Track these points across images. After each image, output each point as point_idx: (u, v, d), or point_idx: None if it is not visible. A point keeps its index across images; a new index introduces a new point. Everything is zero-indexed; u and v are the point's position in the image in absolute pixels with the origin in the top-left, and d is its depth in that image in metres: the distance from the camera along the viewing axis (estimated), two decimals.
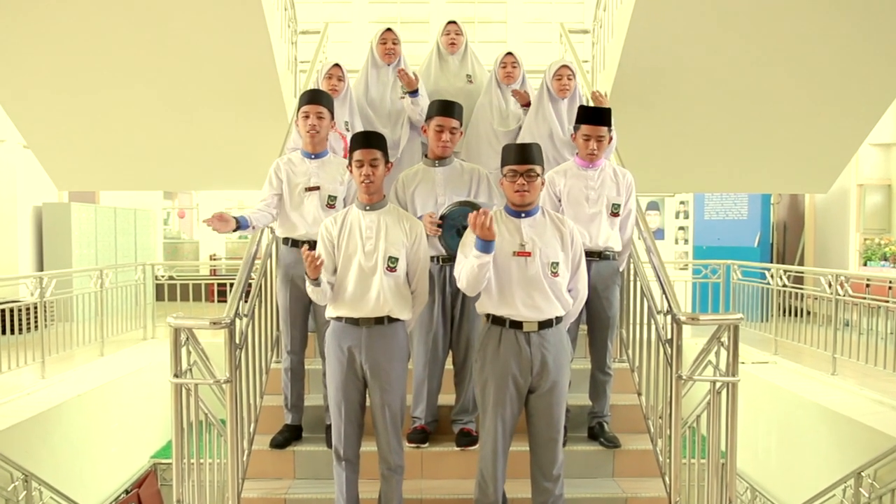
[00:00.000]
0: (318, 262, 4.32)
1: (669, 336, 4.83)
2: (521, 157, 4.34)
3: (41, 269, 14.33)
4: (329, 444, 5.28)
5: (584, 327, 5.75)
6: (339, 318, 4.61)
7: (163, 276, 12.29)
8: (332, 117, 5.49)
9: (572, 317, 4.72)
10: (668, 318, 4.89)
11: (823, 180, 10.18)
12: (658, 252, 5.51)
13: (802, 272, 11.41)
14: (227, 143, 9.45)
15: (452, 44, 7.20)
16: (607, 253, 5.43)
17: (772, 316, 10.79)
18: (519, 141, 6.26)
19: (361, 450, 4.73)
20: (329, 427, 5.24)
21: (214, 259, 19.66)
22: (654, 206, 16.38)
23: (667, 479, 4.91)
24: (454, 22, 7.28)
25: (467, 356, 5.46)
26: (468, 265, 4.27)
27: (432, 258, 5.21)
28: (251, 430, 5.28)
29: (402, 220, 4.68)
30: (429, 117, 5.40)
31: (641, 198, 6.35)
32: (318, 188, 5.34)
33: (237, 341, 4.78)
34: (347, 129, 6.24)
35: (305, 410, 5.76)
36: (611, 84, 8.28)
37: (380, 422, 4.63)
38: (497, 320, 4.42)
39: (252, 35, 7.74)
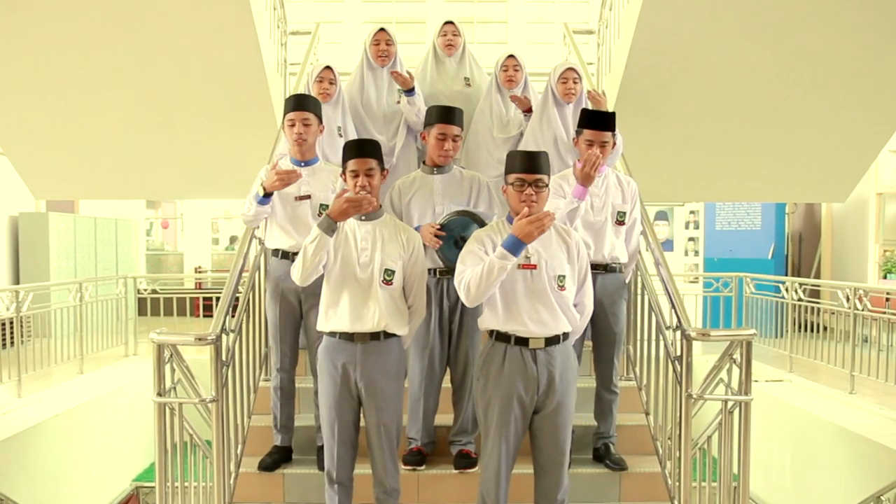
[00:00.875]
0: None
1: (679, 353, 4.84)
2: (530, 165, 4.31)
3: (17, 282, 14.28)
4: (321, 467, 5.22)
5: (588, 344, 5.77)
6: (332, 334, 4.60)
7: (145, 290, 12.29)
8: (321, 122, 5.47)
9: (578, 333, 4.71)
10: (678, 333, 4.89)
11: (841, 189, 10.18)
12: (667, 264, 5.51)
13: (819, 285, 11.43)
14: (213, 149, 9.45)
15: (449, 45, 7.20)
16: (613, 265, 5.43)
17: (786, 331, 10.79)
18: (522, 148, 6.25)
19: (355, 472, 4.74)
20: (321, 448, 5.17)
21: (200, 271, 19.63)
22: (662, 216, 16.40)
23: (676, 503, 4.91)
24: (451, 22, 7.28)
25: (466, 373, 5.45)
26: (480, 269, 4.20)
27: (429, 271, 5.20)
28: (238, 451, 5.28)
29: (399, 232, 4.69)
30: (428, 124, 5.40)
31: (649, 207, 6.34)
32: (309, 197, 5.34)
33: (224, 358, 4.78)
34: (340, 135, 6.24)
35: (296, 431, 5.75)
36: (617, 87, 8.27)
37: (375, 443, 4.63)
38: (501, 336, 4.40)
39: (239, 36, 7.73)
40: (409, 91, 6.46)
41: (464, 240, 4.69)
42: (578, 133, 5.36)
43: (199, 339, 4.56)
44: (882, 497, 6.43)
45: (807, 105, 8.59)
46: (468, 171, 5.69)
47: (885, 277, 14.21)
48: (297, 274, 4.54)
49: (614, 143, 5.44)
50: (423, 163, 5.56)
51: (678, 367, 4.85)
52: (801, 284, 10.67)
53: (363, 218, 4.64)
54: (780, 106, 8.55)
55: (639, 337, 5.98)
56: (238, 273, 5.35)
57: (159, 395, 4.48)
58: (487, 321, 4.46)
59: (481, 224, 5.09)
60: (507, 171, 4.39)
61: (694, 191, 11.15)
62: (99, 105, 8.77)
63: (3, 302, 9.31)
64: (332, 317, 4.59)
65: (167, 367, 4.51)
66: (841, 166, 9.65)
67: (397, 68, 6.70)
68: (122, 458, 9.58)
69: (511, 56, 6.79)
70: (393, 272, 4.56)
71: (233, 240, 22.00)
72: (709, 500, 4.92)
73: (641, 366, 5.91)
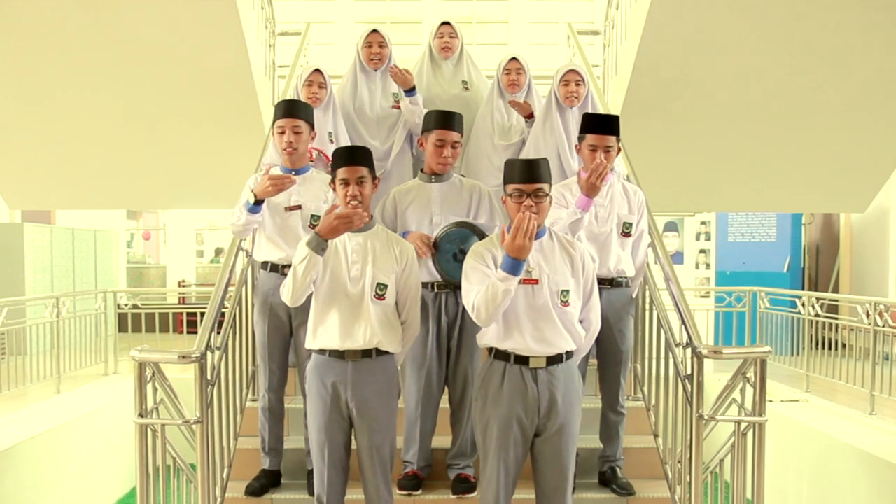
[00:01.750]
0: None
1: (689, 371, 4.84)
2: (529, 174, 4.27)
3: None
4: (311, 492, 5.24)
5: (593, 362, 5.74)
6: (321, 351, 4.58)
7: (126, 305, 12.27)
8: (313, 129, 5.46)
9: (583, 351, 4.69)
10: (688, 351, 4.89)
11: (861, 198, 10.20)
12: (676, 278, 5.49)
13: (837, 300, 11.41)
14: (198, 156, 9.46)
15: (446, 48, 7.19)
16: (619, 279, 5.40)
17: (803, 349, 10.79)
18: (524, 156, 6.24)
19: (347, 497, 4.72)
20: (311, 472, 5.16)
21: (183, 285, 19.61)
22: (672, 226, 16.38)
23: None
24: (448, 23, 7.25)
25: (465, 393, 5.42)
26: (488, 291, 4.17)
27: (426, 284, 5.19)
28: (224, 475, 5.27)
29: (392, 244, 4.67)
30: (426, 130, 5.36)
31: (658, 218, 6.31)
32: (299, 207, 5.33)
33: (209, 377, 4.77)
34: (331, 141, 6.23)
35: (285, 454, 5.72)
36: (624, 91, 8.28)
37: (367, 466, 4.61)
38: (500, 355, 4.37)
39: (225, 36, 7.74)
40: (410, 91, 6.46)
41: (463, 253, 4.71)
42: (581, 139, 5.31)
43: (183, 357, 4.56)
44: None
45: (825, 109, 8.59)
46: (468, 179, 5.67)
47: None
48: (288, 295, 4.50)
49: (619, 150, 5.42)
50: (421, 171, 5.52)
51: (688, 387, 4.84)
52: (818, 299, 10.67)
53: (354, 230, 4.60)
54: (797, 110, 8.55)
55: (647, 355, 5.97)
56: (224, 287, 5.34)
57: (141, 416, 4.48)
58: (486, 337, 4.43)
59: (482, 236, 5.04)
60: (506, 181, 4.36)
61: (705, 200, 11.16)
62: (77, 109, 8.78)
63: None
64: (322, 334, 4.57)
65: (149, 387, 4.51)
66: (860, 174, 9.66)
67: (393, 65, 6.70)
68: (102, 483, 9.57)
69: (514, 59, 6.79)
70: (385, 286, 4.54)
71: (218, 252, 22.01)
72: None
73: (650, 385, 5.91)
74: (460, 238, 5.10)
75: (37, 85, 8.39)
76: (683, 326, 5.04)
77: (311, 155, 5.75)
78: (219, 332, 5.16)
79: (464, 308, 4.70)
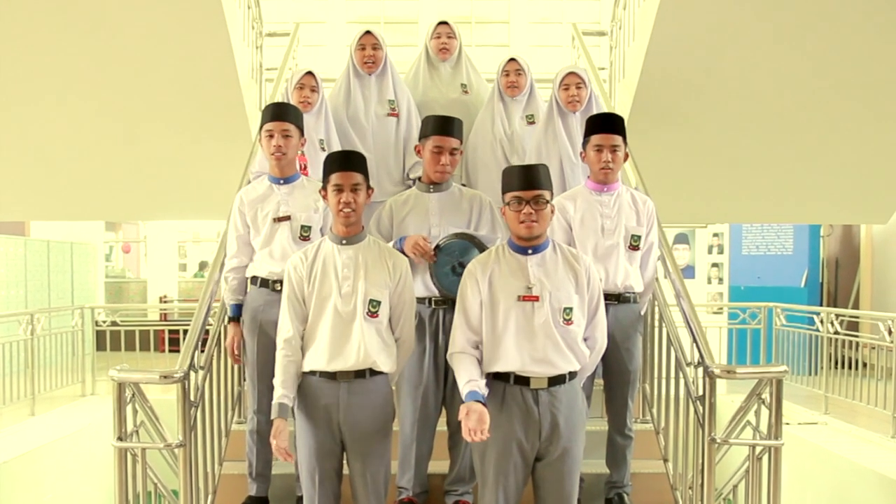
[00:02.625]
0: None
1: (701, 392, 4.84)
2: (527, 180, 4.26)
3: None
4: None
5: (599, 382, 5.71)
6: (312, 372, 4.55)
7: (104, 322, 12.27)
8: (303, 134, 5.44)
9: (588, 371, 4.67)
10: (700, 370, 4.89)
11: (882, 209, 10.20)
12: (688, 294, 5.49)
13: (858, 317, 11.44)
14: (181, 164, 9.45)
15: (444, 49, 7.15)
16: (627, 295, 5.36)
17: (821, 368, 10.80)
18: (527, 162, 6.23)
19: None
20: (300, 499, 5.17)
21: (165, 301, 19.60)
22: (682, 238, 16.40)
23: None
24: (446, 23, 7.21)
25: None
26: (457, 366, 4.35)
27: (422, 300, 5.17)
28: (209, 502, 5.27)
29: (385, 257, 4.63)
30: (423, 136, 5.34)
31: (668, 229, 6.30)
32: (288, 218, 5.30)
33: (192, 398, 4.78)
34: (323, 148, 6.20)
35: (273, 480, 5.69)
36: (632, 95, 8.27)
37: (360, 493, 4.59)
38: (499, 375, 4.34)
39: (209, 37, 7.73)
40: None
41: (462, 266, 4.69)
42: (585, 142, 5.31)
43: (165, 377, 4.57)
44: None
45: (845, 114, 8.56)
46: (469, 189, 5.67)
47: None
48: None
49: (627, 155, 5.43)
50: (419, 180, 5.51)
51: (700, 409, 4.85)
52: (837, 316, 10.68)
53: (344, 241, 4.58)
54: (816, 115, 8.53)
55: (656, 375, 5.97)
56: (208, 303, 5.34)
57: (120, 439, 4.48)
58: (484, 359, 4.42)
59: (482, 249, 5.00)
60: (504, 190, 4.34)
61: (718, 211, 11.17)
62: (52, 115, 8.76)
63: None
64: (311, 354, 4.53)
65: (129, 409, 4.51)
66: (882, 183, 9.65)
67: (388, 73, 6.69)
68: None
69: (512, 59, 6.76)
70: (378, 303, 4.51)
71: (202, 266, 22.05)
72: None
73: (659, 407, 5.90)
74: (460, 250, 5.07)
75: (8, 89, 8.37)
76: (695, 344, 5.04)
77: (301, 165, 5.74)
78: (203, 351, 5.16)
79: None
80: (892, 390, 9.08)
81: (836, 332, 10.57)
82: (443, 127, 5.28)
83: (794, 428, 9.49)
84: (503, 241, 4.62)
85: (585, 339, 4.46)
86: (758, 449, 4.68)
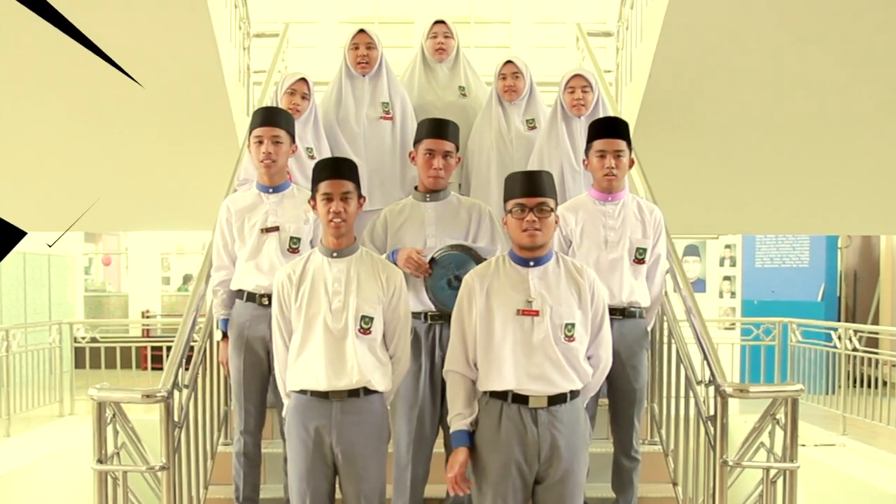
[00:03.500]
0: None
1: (712, 412, 4.84)
2: (530, 187, 4.24)
3: None
4: None
5: (604, 401, 5.69)
6: (303, 392, 4.52)
7: (84, 338, 12.28)
8: (294, 140, 5.43)
9: (592, 390, 4.65)
10: (711, 389, 4.89)
11: None
12: (698, 309, 5.48)
13: (877, 333, 11.44)
14: (164, 172, 9.44)
15: (440, 49, 7.12)
16: (632, 309, 5.35)
17: (839, 387, 10.80)
18: (528, 169, 6.20)
19: None
20: None
21: (148, 316, 19.62)
22: (693, 250, 16.42)
23: None
24: (442, 22, 7.18)
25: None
26: (450, 395, 4.43)
27: (418, 315, 5.14)
28: None
29: (378, 270, 4.61)
30: (417, 140, 5.30)
31: (677, 241, 6.29)
32: (276, 229, 5.29)
33: (176, 418, 4.77)
34: (311, 157, 6.16)
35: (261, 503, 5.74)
36: (639, 99, 8.23)
37: None
38: (497, 393, 4.32)
39: (193, 38, 7.70)
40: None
41: (458, 279, 4.68)
42: (588, 148, 5.31)
43: (147, 396, 4.57)
44: None
45: (866, 118, 8.46)
46: (467, 198, 5.63)
47: None
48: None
49: (632, 162, 5.42)
50: (415, 189, 5.46)
51: (711, 429, 4.85)
52: (856, 331, 10.69)
53: (335, 254, 4.56)
54: (835, 120, 8.47)
55: (664, 393, 5.97)
56: (193, 318, 5.33)
57: (100, 461, 4.48)
58: (480, 376, 4.41)
59: (480, 262, 4.91)
60: (506, 198, 4.34)
61: (730, 221, 11.18)
62: (26, 118, 8.72)
63: None
64: (302, 372, 4.52)
65: (109, 429, 4.51)
66: None
67: (382, 74, 6.67)
68: None
69: (509, 62, 6.70)
70: (371, 319, 4.48)
71: (186, 279, 22.03)
72: None
73: (668, 427, 5.90)
74: (456, 263, 5.01)
75: None
76: (705, 362, 5.03)
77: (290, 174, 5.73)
78: (187, 369, 5.15)
79: None
80: None
81: (855, 349, 10.57)
82: (435, 130, 5.22)
83: (810, 450, 9.50)
84: (504, 252, 4.60)
85: (589, 358, 4.43)
86: (772, 472, 4.68)
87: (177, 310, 20.22)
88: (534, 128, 6.62)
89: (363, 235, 5.25)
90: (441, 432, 5.47)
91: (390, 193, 6.49)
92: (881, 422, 9.93)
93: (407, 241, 5.24)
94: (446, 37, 7.14)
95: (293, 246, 5.26)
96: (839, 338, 10.83)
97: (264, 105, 6.52)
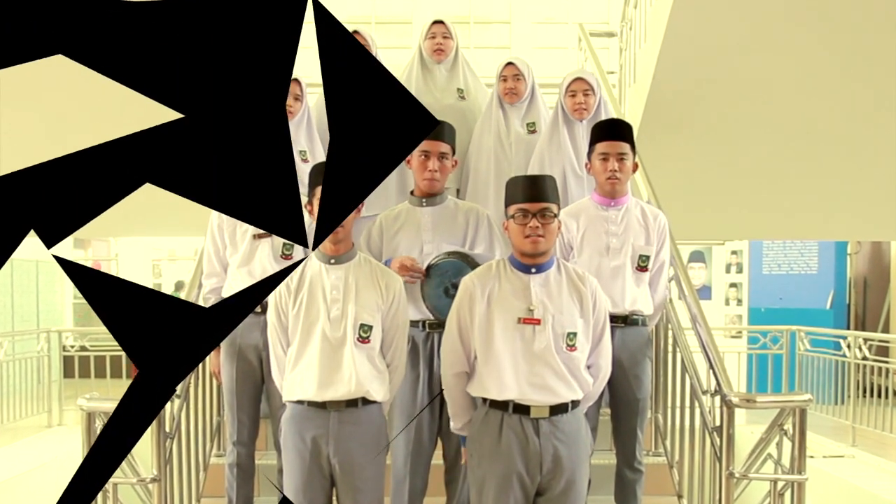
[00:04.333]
0: None
1: (718, 423, 4.84)
2: (533, 192, 4.21)
3: None
4: None
5: (606, 411, 5.67)
6: (300, 402, 4.50)
7: (73, 347, 12.26)
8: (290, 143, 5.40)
9: (591, 399, 4.64)
10: (717, 399, 4.89)
11: None
12: (704, 317, 5.48)
13: (888, 341, 11.43)
14: None
15: (439, 50, 7.08)
16: (635, 317, 5.31)
17: (849, 397, 10.78)
18: (529, 173, 6.20)
19: None
20: None
21: None
22: (698, 257, 16.40)
23: None
24: (441, 22, 7.13)
25: (461, 448, 5.37)
26: (449, 401, 4.44)
27: (416, 323, 5.12)
28: None
29: (377, 276, 4.57)
30: None
31: (682, 247, 6.27)
32: (269, 234, 5.25)
33: (168, 429, 4.78)
34: (304, 160, 6.15)
35: None
36: (643, 101, 8.21)
37: None
38: (497, 403, 4.30)
39: None
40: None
41: (455, 287, 4.66)
42: (590, 151, 5.28)
43: None
44: None
45: (876, 121, 8.42)
46: (465, 202, 5.59)
47: None
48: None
49: (636, 166, 5.41)
50: (411, 193, 5.42)
51: (717, 440, 4.85)
52: (865, 340, 10.67)
53: (333, 260, 4.53)
54: (844, 122, 8.45)
55: (669, 403, 5.96)
56: None
57: None
58: (477, 386, 4.38)
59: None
60: (508, 202, 4.30)
61: (736, 226, 11.18)
62: (24, 121, 8.72)
63: None
64: (299, 381, 4.49)
65: None
66: None
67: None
68: None
69: (510, 64, 6.67)
70: (370, 328, 4.45)
71: (178, 286, 21.95)
72: None
73: (672, 438, 5.90)
74: (453, 271, 4.97)
75: None
76: (711, 371, 5.04)
77: None
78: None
79: None
80: None
81: (865, 358, 10.56)
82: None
83: (818, 461, 9.47)
84: (503, 258, 4.57)
85: (589, 367, 4.41)
86: (780, 484, 4.68)
87: None
88: (534, 131, 6.59)
89: (360, 242, 5.23)
90: (440, 443, 5.46)
91: (389, 199, 6.43)
92: (892, 433, 9.91)
93: (403, 247, 5.21)
94: (445, 37, 7.09)
95: (286, 252, 5.25)
96: (848, 346, 10.82)
97: None
